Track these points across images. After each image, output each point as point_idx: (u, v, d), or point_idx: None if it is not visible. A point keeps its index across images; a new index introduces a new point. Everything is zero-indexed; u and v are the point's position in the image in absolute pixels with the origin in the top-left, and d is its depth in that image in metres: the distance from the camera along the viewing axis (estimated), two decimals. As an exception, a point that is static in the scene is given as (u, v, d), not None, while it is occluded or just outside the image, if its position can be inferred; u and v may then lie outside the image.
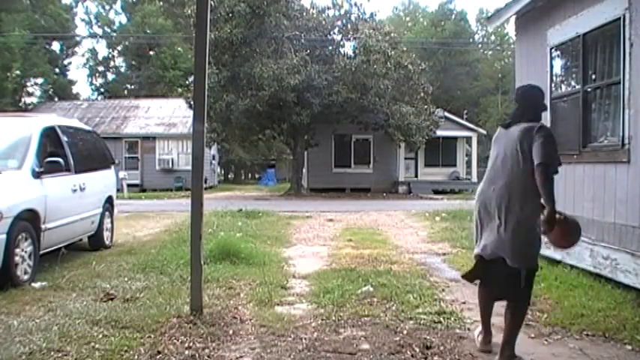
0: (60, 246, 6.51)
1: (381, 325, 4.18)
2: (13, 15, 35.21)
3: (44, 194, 5.93)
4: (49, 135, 6.60)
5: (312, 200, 20.13)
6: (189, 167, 4.63)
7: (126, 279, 5.63)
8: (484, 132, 30.37)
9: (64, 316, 4.22)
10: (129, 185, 23.43)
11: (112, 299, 4.79)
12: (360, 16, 22.72)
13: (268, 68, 19.67)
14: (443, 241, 8.88)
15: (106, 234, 8.10)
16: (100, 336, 3.77)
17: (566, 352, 3.64)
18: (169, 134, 28.22)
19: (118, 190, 8.96)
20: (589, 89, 5.80)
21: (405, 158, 26.26)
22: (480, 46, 55.09)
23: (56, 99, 37.68)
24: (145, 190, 26.41)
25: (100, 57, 45.99)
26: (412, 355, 3.54)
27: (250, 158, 40.03)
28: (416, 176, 27.39)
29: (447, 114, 26.40)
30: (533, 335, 3.94)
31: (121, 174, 20.28)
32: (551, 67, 6.52)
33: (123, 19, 45.74)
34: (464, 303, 4.84)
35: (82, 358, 3.40)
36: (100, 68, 46.39)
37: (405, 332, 3.99)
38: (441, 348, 3.66)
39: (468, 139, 28.28)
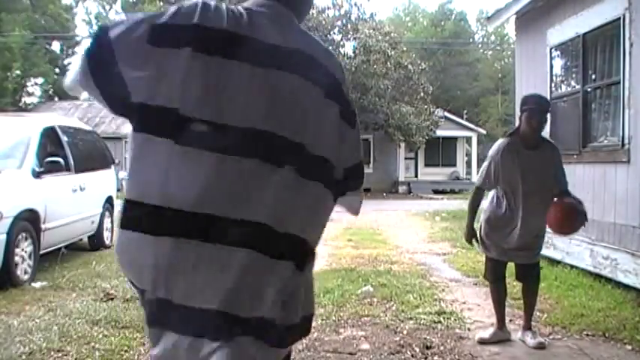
0: (60, 246, 6.51)
1: (381, 325, 4.17)
2: (13, 15, 35.19)
3: (44, 194, 5.93)
4: (49, 135, 6.59)
5: (312, 200, 20.10)
6: (189, 167, 4.63)
7: (126, 279, 5.60)
8: (484, 132, 30.39)
9: (64, 316, 4.21)
10: (129, 185, 23.41)
11: (112, 299, 4.79)
12: (360, 16, 22.72)
13: (268, 68, 19.68)
14: (443, 241, 8.88)
15: (106, 234, 8.10)
16: (100, 336, 3.76)
17: (566, 352, 3.63)
18: (169, 134, 28.18)
19: (118, 190, 8.96)
20: (589, 89, 5.81)
21: (405, 158, 26.26)
22: (479, 46, 55.08)
23: (56, 99, 37.61)
24: (145, 190, 26.39)
25: (100, 57, 45.97)
26: (412, 355, 3.53)
27: (250, 158, 40.01)
28: (416, 176, 27.37)
29: (447, 114, 26.39)
30: (533, 335, 3.94)
31: (121, 174, 20.22)
32: (551, 67, 6.52)
33: (123, 19, 45.77)
34: (464, 303, 4.84)
35: (82, 358, 3.40)
36: (100, 68, 46.37)
37: (405, 332, 3.98)
38: (441, 348, 3.66)
39: (468, 139, 28.28)
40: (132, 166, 1.25)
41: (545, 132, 6.46)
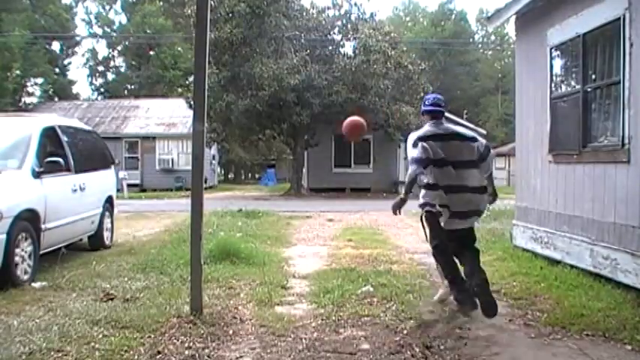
0: (60, 246, 6.51)
1: (381, 325, 4.18)
2: (13, 15, 35.22)
3: (44, 194, 5.93)
4: (49, 135, 6.60)
5: (312, 200, 20.13)
6: (189, 167, 4.63)
7: (126, 279, 5.62)
8: (484, 132, 30.34)
9: (64, 316, 4.21)
10: (129, 185, 23.43)
11: (112, 299, 4.79)
12: (360, 16, 22.72)
13: (268, 68, 19.68)
14: (443, 241, 8.86)
15: (106, 234, 8.10)
16: (100, 336, 3.77)
17: (566, 352, 3.64)
18: (169, 134, 28.22)
19: (118, 190, 8.97)
20: (589, 89, 5.80)
21: (405, 158, 26.21)
22: (479, 46, 55.08)
23: (56, 99, 37.68)
24: (145, 190, 26.41)
25: (100, 57, 46.05)
26: (412, 355, 3.54)
27: (250, 158, 40.03)
28: (416, 176, 27.33)
29: (447, 114, 26.38)
30: (533, 335, 3.94)
31: (121, 174, 20.27)
32: (551, 67, 6.52)
33: (123, 19, 45.81)
34: (464, 303, 4.83)
35: (82, 358, 3.40)
36: (100, 68, 46.41)
37: (405, 332, 3.99)
38: (441, 348, 3.66)
39: (468, 139, 28.26)
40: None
41: (546, 132, 6.49)
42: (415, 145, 4.35)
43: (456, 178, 4.27)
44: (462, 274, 4.40)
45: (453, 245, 4.47)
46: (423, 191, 4.54)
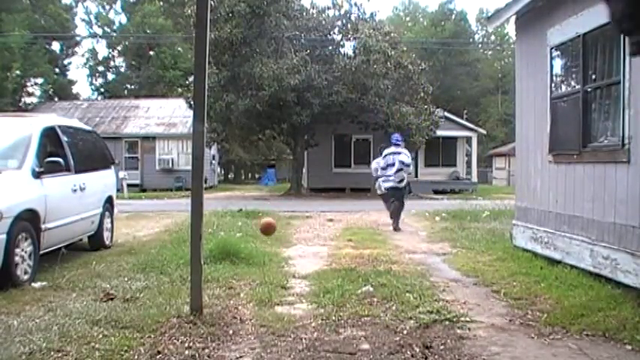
0: (60, 246, 6.51)
1: (381, 325, 4.17)
2: (13, 15, 35.22)
3: (44, 194, 5.93)
4: (49, 135, 6.60)
5: (312, 200, 20.13)
6: (189, 167, 4.64)
7: (126, 279, 5.63)
8: (484, 132, 30.39)
9: (64, 316, 4.21)
10: (129, 185, 23.42)
11: (112, 299, 4.79)
12: (360, 16, 22.71)
13: (268, 68, 19.67)
14: (443, 241, 8.88)
15: (106, 234, 8.10)
16: (100, 336, 3.76)
17: (566, 352, 3.64)
18: (169, 134, 28.22)
19: (118, 190, 8.96)
20: (589, 89, 5.80)
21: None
22: (480, 46, 55.10)
23: (56, 99, 37.67)
24: (145, 190, 26.41)
25: (100, 57, 46.03)
26: (412, 355, 3.54)
27: (250, 158, 40.03)
28: (416, 176, 27.36)
29: (447, 114, 26.38)
30: (533, 335, 3.94)
31: (121, 174, 20.27)
32: (551, 67, 6.52)
33: (123, 19, 45.81)
34: (464, 303, 4.84)
35: (82, 358, 3.40)
36: (100, 68, 46.39)
37: (405, 332, 3.99)
38: (441, 348, 3.66)
39: (468, 139, 28.28)
40: None
41: (546, 132, 6.50)
42: (384, 155, 10.72)
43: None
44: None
45: (391, 197, 10.39)
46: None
